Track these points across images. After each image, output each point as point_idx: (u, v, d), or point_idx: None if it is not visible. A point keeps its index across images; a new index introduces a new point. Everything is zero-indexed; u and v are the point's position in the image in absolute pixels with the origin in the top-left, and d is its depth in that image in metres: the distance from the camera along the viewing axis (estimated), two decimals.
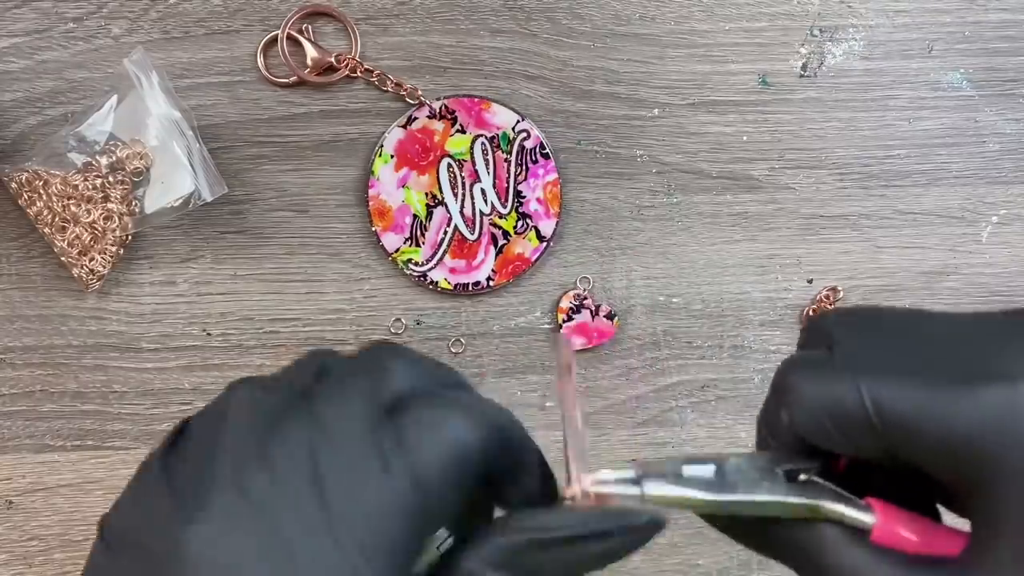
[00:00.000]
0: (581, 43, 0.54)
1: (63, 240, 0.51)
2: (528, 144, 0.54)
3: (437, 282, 0.54)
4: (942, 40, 0.55)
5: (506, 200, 0.54)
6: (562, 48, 0.54)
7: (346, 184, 0.54)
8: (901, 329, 0.29)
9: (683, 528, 0.55)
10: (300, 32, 0.52)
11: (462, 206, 0.54)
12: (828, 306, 0.55)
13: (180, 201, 0.51)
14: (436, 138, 0.53)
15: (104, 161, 0.50)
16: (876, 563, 0.27)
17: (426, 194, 0.54)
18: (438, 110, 0.53)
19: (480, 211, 0.54)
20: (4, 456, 0.54)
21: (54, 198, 0.50)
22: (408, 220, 0.54)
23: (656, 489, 0.28)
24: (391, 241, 0.54)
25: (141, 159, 0.51)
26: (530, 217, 0.54)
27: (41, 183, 0.50)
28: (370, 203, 0.53)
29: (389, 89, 0.53)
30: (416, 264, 0.54)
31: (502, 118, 0.53)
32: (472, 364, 0.55)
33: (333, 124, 0.53)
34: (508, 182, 0.54)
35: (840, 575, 0.27)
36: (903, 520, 0.28)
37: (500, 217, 0.54)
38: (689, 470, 0.29)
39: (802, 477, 0.29)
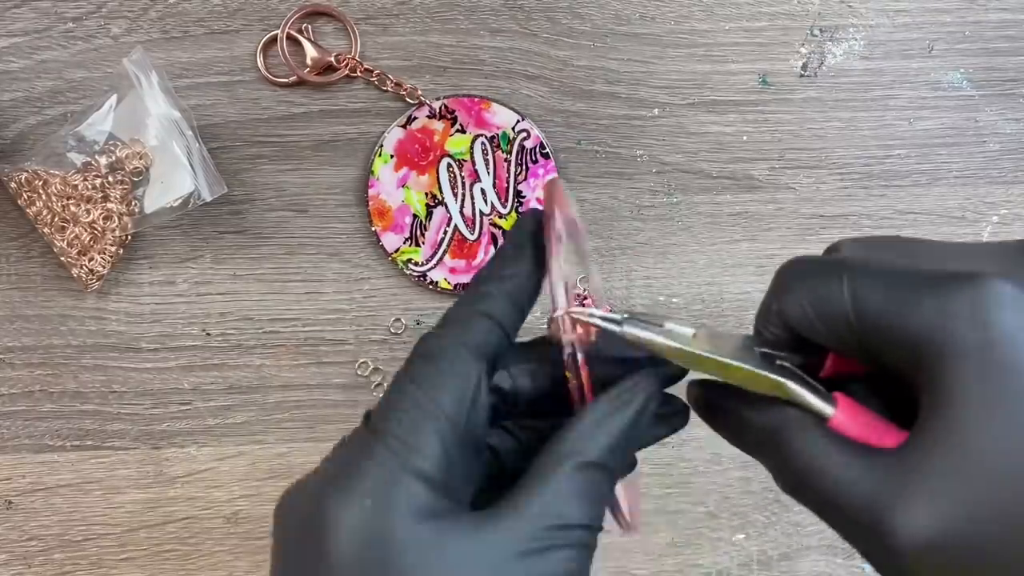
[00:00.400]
0: (581, 43, 0.54)
1: (62, 240, 0.51)
2: (528, 144, 0.53)
3: (437, 282, 0.54)
4: (942, 40, 0.55)
5: (506, 200, 0.54)
6: (562, 48, 0.54)
7: (346, 184, 0.54)
8: (902, 247, 0.30)
9: (683, 529, 0.55)
10: (300, 32, 0.52)
11: (462, 206, 0.54)
12: None
13: (179, 201, 0.50)
14: (436, 138, 0.53)
15: (103, 161, 0.50)
16: (829, 446, 0.28)
17: (426, 194, 0.54)
18: (438, 110, 0.53)
19: (480, 211, 0.54)
20: (3, 456, 0.54)
21: (53, 198, 0.50)
22: (408, 220, 0.54)
23: (634, 330, 0.30)
24: (391, 241, 0.54)
25: (140, 159, 0.51)
26: None
27: (40, 183, 0.50)
28: (370, 203, 0.53)
29: (389, 89, 0.53)
30: (416, 264, 0.54)
31: (502, 118, 0.53)
32: None
33: (333, 124, 0.53)
34: (508, 182, 0.54)
35: (796, 454, 0.28)
36: (864, 417, 0.29)
37: (500, 217, 0.54)
38: (671, 325, 0.30)
39: (778, 363, 0.30)
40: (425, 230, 0.54)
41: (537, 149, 0.53)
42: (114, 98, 0.51)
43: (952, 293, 0.26)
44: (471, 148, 0.54)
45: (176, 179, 0.50)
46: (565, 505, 0.28)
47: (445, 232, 0.54)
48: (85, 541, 0.54)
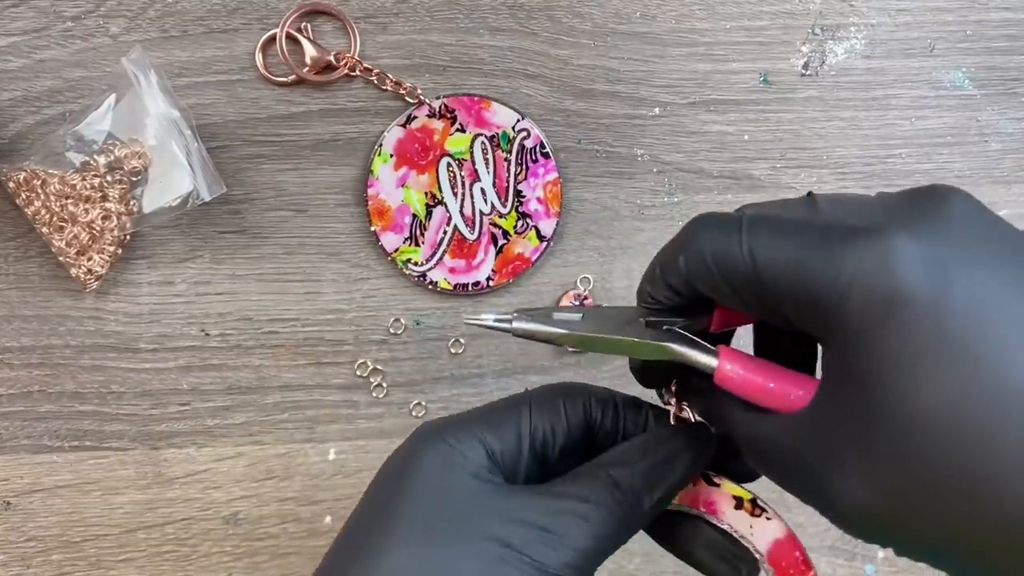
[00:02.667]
0: (581, 41, 0.53)
1: (61, 240, 0.51)
2: (528, 143, 0.53)
3: (436, 282, 0.54)
4: (944, 39, 0.54)
5: (506, 199, 0.54)
6: (562, 47, 0.53)
7: (345, 183, 0.54)
8: (803, 206, 0.30)
9: None
10: (299, 31, 0.52)
11: (462, 206, 0.54)
12: None
13: (178, 201, 0.50)
14: (436, 137, 0.53)
15: (102, 160, 0.50)
16: (754, 422, 0.29)
17: (425, 193, 0.54)
18: (438, 109, 0.53)
19: (480, 211, 0.54)
20: (2, 457, 0.53)
21: (52, 197, 0.50)
22: (407, 220, 0.53)
23: (522, 324, 0.33)
24: (390, 241, 0.54)
25: (139, 158, 0.50)
26: (530, 217, 0.54)
27: (39, 182, 0.50)
28: (369, 203, 0.53)
29: (388, 88, 0.52)
30: (415, 264, 0.54)
31: (502, 117, 0.53)
32: (472, 364, 0.55)
33: (332, 123, 0.53)
34: (508, 181, 0.54)
35: (735, 433, 0.30)
36: (750, 363, 0.30)
37: (500, 217, 0.54)
38: (559, 315, 0.33)
39: (664, 328, 0.32)
40: (425, 230, 0.54)
41: (537, 148, 0.53)
42: (113, 97, 0.50)
43: (855, 250, 0.25)
44: (471, 147, 0.53)
45: (175, 179, 0.50)
46: (584, 501, 0.31)
47: (445, 232, 0.54)
48: (84, 542, 0.54)
